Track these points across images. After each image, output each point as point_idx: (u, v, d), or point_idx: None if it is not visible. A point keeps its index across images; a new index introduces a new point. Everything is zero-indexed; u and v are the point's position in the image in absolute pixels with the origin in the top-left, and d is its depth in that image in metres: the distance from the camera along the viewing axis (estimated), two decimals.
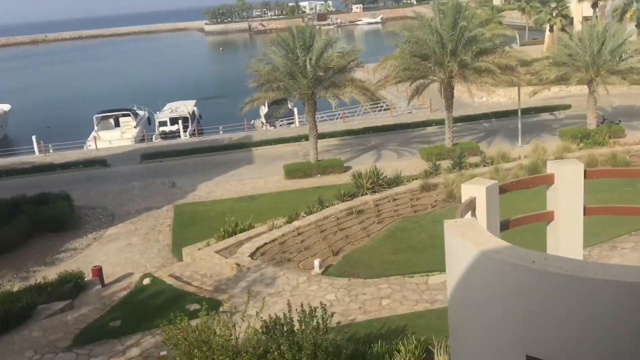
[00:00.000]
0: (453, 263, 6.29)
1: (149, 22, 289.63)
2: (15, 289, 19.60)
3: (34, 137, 43.68)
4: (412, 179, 26.48)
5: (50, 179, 34.90)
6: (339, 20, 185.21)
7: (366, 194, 24.61)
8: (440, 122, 38.39)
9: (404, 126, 40.76)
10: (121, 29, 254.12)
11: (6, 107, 60.85)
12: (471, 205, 7.26)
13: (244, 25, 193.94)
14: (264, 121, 47.67)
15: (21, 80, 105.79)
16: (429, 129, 40.19)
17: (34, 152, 43.21)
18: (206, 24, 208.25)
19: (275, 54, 31.24)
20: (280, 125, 46.52)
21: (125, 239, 24.98)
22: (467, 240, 5.88)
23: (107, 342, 15.35)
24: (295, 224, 22.19)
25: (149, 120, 51.79)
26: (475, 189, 7.32)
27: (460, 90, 38.46)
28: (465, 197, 7.42)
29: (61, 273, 20.36)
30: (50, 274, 21.05)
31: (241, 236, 21.74)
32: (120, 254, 23.54)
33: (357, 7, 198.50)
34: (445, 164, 28.60)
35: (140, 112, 52.51)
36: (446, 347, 11.47)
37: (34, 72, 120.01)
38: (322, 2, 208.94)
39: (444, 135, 34.07)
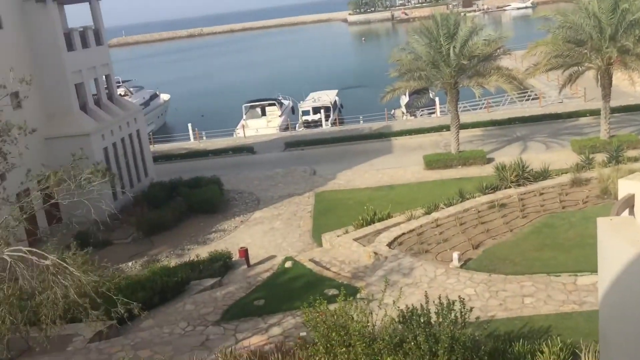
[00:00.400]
0: (606, 264, 5.91)
1: (295, 14, 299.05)
2: (172, 264, 21.37)
3: (189, 125, 47.08)
4: (562, 173, 24.99)
5: (203, 164, 37.45)
6: (485, 7, 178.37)
7: (510, 187, 23.64)
8: (595, 113, 35.79)
9: (554, 116, 38.50)
10: (269, 22, 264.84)
11: (166, 96, 66.06)
12: (629, 203, 6.75)
13: (386, 14, 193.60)
14: (405, 111, 47.39)
15: (179, 72, 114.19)
16: (582, 120, 37.60)
17: (189, 138, 46.58)
18: (349, 14, 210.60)
19: (418, 42, 30.88)
20: (421, 115, 45.99)
21: (269, 223, 26.19)
22: (624, 240, 5.50)
23: (251, 320, 16.27)
24: (434, 215, 21.91)
25: (293, 110, 53.58)
26: (634, 185, 6.79)
27: (619, 78, 35.51)
28: (622, 193, 6.91)
29: (212, 252, 21.86)
30: (202, 252, 22.67)
31: (379, 225, 21.90)
32: (264, 237, 24.73)
33: None
34: (600, 157, 26.64)
35: (285, 102, 54.48)
36: (595, 352, 10.78)
37: (191, 64, 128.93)
38: None
39: (599, 127, 31.72)
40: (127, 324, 14.54)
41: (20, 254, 12.13)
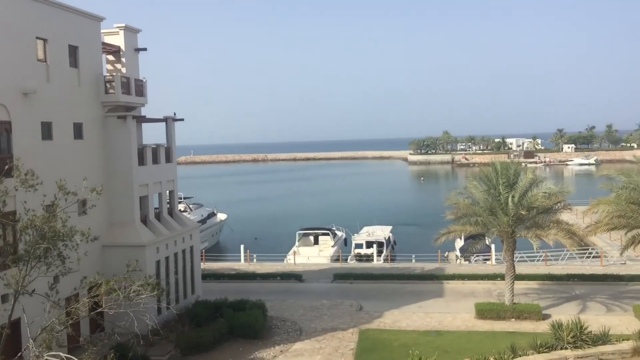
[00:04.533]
0: None
1: (357, 149, 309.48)
2: None
3: (242, 246, 47.75)
4: (623, 339, 23.53)
5: (250, 287, 37.42)
6: (547, 159, 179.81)
7: (566, 348, 22.35)
8: None
9: (616, 278, 36.98)
10: (331, 154, 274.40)
11: (223, 216, 67.86)
12: None
13: (447, 157, 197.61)
14: (459, 254, 46.76)
15: (239, 194, 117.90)
16: None
17: (240, 259, 47.05)
18: (410, 154, 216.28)
19: (476, 188, 31.11)
20: (475, 261, 45.18)
21: (309, 356, 25.44)
22: None
23: None
24: None
25: (346, 241, 53.80)
26: None
27: None
28: None
29: None
30: None
31: None
32: None
33: (568, 147, 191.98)
34: None
35: (339, 233, 54.89)
36: None
37: (251, 188, 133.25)
38: (530, 140, 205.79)
39: None
40: None
41: None
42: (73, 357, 12.19)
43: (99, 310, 14.56)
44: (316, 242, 51.58)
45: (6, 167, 16.51)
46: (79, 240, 14.45)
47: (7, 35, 22.84)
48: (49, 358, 12.19)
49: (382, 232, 52.00)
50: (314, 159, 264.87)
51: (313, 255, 47.93)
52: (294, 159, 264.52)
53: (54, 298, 14.02)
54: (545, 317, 29.22)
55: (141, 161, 29.92)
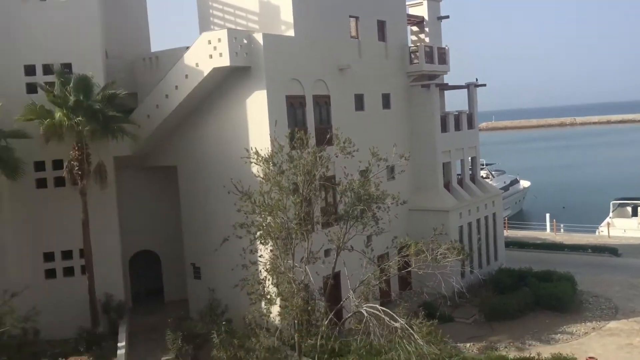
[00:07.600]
0: None
1: None
2: (510, 356, 20.60)
3: (547, 215, 45.47)
4: None
5: (557, 258, 35.44)
6: None
7: None
8: None
9: None
10: None
11: (526, 183, 65.32)
12: None
13: None
14: None
15: (543, 160, 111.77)
16: None
17: (545, 229, 44.93)
18: None
19: None
20: None
21: (627, 337, 23.19)
22: None
23: None
24: None
25: None
26: None
27: None
28: None
29: (555, 354, 20.36)
30: (544, 351, 21.30)
31: None
32: (619, 351, 21.97)
33: None
34: None
35: None
36: None
37: (557, 154, 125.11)
38: None
39: None
40: None
41: (376, 312, 13.36)
42: (389, 310, 13.24)
43: (408, 269, 15.50)
44: (635, 213, 46.28)
45: (328, 136, 18.54)
46: (389, 203, 15.53)
47: (326, 16, 25.36)
48: (366, 308, 13.47)
49: None
50: (634, 120, 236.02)
51: (631, 228, 43.17)
52: (608, 122, 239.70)
53: (370, 255, 15.36)
54: None
55: (444, 128, 30.54)
